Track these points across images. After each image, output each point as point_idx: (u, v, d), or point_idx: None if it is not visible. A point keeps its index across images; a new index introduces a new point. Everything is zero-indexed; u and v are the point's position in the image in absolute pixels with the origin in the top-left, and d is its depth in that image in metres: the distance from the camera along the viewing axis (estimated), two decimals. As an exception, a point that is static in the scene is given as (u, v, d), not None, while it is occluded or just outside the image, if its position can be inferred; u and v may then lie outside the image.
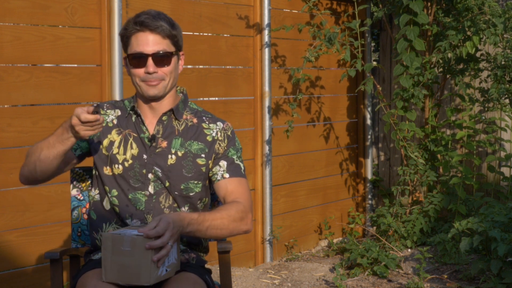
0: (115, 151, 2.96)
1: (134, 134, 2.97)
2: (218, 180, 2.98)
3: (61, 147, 2.83)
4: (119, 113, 3.02)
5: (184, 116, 3.01)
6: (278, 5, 5.98)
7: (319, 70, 6.45)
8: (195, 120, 3.02)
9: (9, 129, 4.25)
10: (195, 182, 2.97)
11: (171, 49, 2.93)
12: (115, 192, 2.96)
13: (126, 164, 2.94)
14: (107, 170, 2.96)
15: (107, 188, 2.97)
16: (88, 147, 3.00)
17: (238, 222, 2.90)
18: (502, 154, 6.50)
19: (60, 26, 4.48)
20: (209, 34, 5.45)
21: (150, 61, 2.89)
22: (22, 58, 4.30)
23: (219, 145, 3.00)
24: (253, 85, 5.79)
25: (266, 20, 5.78)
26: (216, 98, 5.53)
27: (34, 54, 4.35)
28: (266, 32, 5.77)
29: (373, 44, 7.20)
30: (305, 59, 5.79)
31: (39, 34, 4.37)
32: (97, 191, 3.01)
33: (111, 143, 2.97)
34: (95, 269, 2.80)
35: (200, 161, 2.98)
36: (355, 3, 6.20)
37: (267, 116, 5.81)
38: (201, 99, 5.42)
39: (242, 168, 3.03)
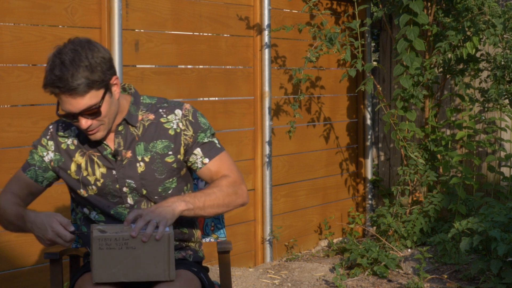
0: (84, 173, 2.90)
1: (97, 154, 2.90)
2: (200, 167, 2.92)
3: (24, 231, 2.86)
4: (76, 131, 2.93)
5: (140, 117, 2.91)
6: (278, 5, 5.98)
7: (319, 70, 6.45)
8: (151, 116, 2.91)
9: (9, 129, 4.25)
10: (170, 180, 2.92)
11: (98, 98, 2.72)
12: (98, 210, 2.93)
13: (99, 184, 2.89)
14: (82, 193, 2.92)
15: (89, 207, 2.94)
16: (55, 175, 2.96)
17: (232, 196, 2.88)
18: (502, 154, 6.51)
19: (60, 26, 4.48)
20: (209, 34, 5.45)
21: (80, 119, 2.75)
22: (22, 58, 4.30)
23: (185, 135, 2.91)
24: (253, 85, 5.79)
25: (266, 20, 5.78)
26: (216, 98, 5.53)
27: (34, 54, 4.35)
28: (266, 32, 5.77)
29: (373, 44, 7.20)
30: (306, 60, 5.79)
31: (39, 34, 4.37)
32: (85, 209, 2.98)
33: (79, 166, 2.91)
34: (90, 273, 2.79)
35: (169, 159, 2.90)
36: (355, 3, 6.20)
37: (267, 116, 5.81)
38: (201, 99, 5.42)
39: (217, 142, 2.95)
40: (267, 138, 5.82)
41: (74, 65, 2.69)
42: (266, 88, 5.81)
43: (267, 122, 5.82)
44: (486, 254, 5.13)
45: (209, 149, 2.92)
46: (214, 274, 4.88)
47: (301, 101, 6.23)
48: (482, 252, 5.26)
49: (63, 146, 2.92)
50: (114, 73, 2.80)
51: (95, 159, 2.89)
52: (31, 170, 2.94)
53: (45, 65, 4.39)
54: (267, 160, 5.83)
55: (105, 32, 4.64)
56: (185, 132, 2.91)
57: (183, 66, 5.25)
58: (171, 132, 2.90)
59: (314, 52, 5.82)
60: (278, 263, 5.89)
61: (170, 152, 2.89)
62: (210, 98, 5.50)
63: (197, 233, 3.08)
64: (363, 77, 6.68)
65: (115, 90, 2.80)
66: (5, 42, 4.21)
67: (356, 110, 6.93)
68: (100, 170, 2.89)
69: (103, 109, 2.75)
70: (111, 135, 2.89)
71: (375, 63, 7.09)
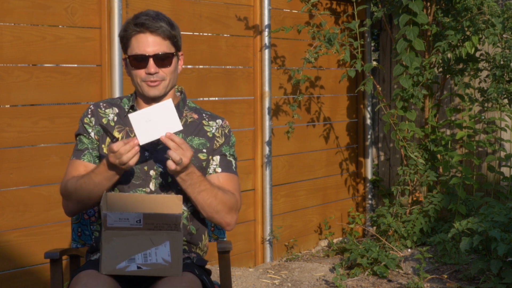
0: None
1: None
2: (210, 173, 3.02)
3: (109, 183, 2.88)
4: (117, 111, 3.04)
5: (184, 114, 3.05)
6: (278, 5, 5.98)
7: (319, 70, 6.45)
8: (195, 116, 3.06)
9: (9, 129, 4.25)
10: None
11: (171, 50, 2.96)
12: (116, 190, 2.96)
13: None
14: None
15: None
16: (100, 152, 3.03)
17: (226, 209, 2.96)
18: (502, 154, 6.51)
19: (60, 26, 4.48)
20: (209, 34, 5.45)
21: (151, 62, 2.91)
22: (22, 58, 4.30)
23: (217, 141, 3.04)
24: (253, 85, 5.79)
25: (266, 20, 5.78)
26: (216, 98, 5.53)
27: (34, 54, 4.35)
28: (266, 32, 5.77)
29: (373, 44, 7.20)
30: (305, 60, 5.79)
31: (39, 34, 4.37)
32: None
33: None
34: (88, 270, 2.80)
35: (202, 156, 3.01)
36: (355, 3, 6.19)
37: (267, 116, 5.81)
38: (201, 99, 5.42)
39: (234, 165, 3.07)
40: (267, 138, 5.82)
41: (159, 16, 2.95)
42: (266, 88, 5.81)
43: (267, 122, 5.82)
44: (486, 254, 5.13)
45: (226, 164, 3.05)
46: (214, 274, 4.88)
47: (301, 101, 6.23)
48: (482, 252, 5.26)
49: (104, 120, 3.02)
50: (181, 49, 3.04)
51: (132, 136, 2.97)
52: (85, 154, 3.01)
53: (45, 65, 4.42)
54: (267, 160, 5.83)
55: (105, 32, 4.64)
56: (218, 139, 3.05)
57: (183, 66, 5.24)
58: (209, 134, 3.04)
59: (313, 52, 5.82)
60: (278, 263, 5.89)
61: (204, 150, 3.02)
62: (210, 98, 5.50)
63: (205, 241, 3.10)
64: (363, 77, 6.68)
65: (180, 63, 3.04)
66: (5, 42, 4.21)
67: (356, 110, 6.93)
68: None
69: (172, 65, 2.95)
70: None
71: (374, 63, 7.09)
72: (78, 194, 2.92)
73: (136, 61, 2.92)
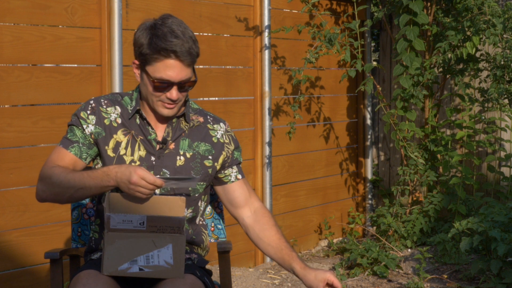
0: (122, 152, 2.91)
1: (141, 136, 2.93)
2: (233, 181, 3.05)
3: (98, 191, 2.80)
4: (120, 110, 2.96)
5: (191, 117, 3.02)
6: (278, 5, 5.98)
7: (319, 71, 6.45)
8: (201, 119, 3.03)
9: (9, 129, 4.25)
10: (201, 183, 2.97)
11: (193, 74, 2.90)
12: (120, 192, 2.94)
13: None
14: None
15: (114, 189, 2.94)
16: (97, 150, 2.95)
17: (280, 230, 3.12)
18: (502, 154, 6.51)
19: (60, 26, 4.48)
20: (209, 34, 5.45)
21: (175, 89, 2.85)
22: (22, 58, 4.30)
23: (228, 148, 3.03)
24: (253, 85, 5.79)
25: (266, 21, 5.78)
26: (216, 98, 5.53)
27: (34, 54, 4.35)
28: (266, 32, 5.77)
29: (373, 44, 7.20)
30: (305, 61, 5.79)
31: (39, 34, 4.37)
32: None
33: (118, 143, 2.92)
34: (88, 270, 2.79)
35: (207, 163, 2.98)
36: (355, 3, 6.20)
37: (267, 116, 5.81)
38: (201, 99, 5.42)
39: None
40: (267, 138, 5.82)
41: (185, 35, 2.83)
42: (266, 88, 5.81)
43: (267, 122, 5.82)
44: (486, 254, 5.13)
45: (240, 168, 3.09)
46: (214, 274, 4.88)
47: (301, 101, 6.23)
48: (482, 252, 5.26)
49: (106, 121, 2.94)
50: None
51: (138, 140, 2.93)
52: (74, 147, 2.92)
53: (45, 65, 4.42)
54: (267, 160, 5.83)
55: (105, 32, 4.64)
56: (228, 146, 3.04)
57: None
58: (214, 140, 3.02)
59: (314, 53, 5.82)
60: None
61: (210, 157, 2.99)
62: (210, 98, 5.50)
63: (206, 241, 3.10)
64: (363, 77, 6.68)
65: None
66: (5, 42, 4.21)
67: (356, 110, 6.94)
68: (139, 153, 2.93)
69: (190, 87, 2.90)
70: (158, 124, 2.96)
71: (375, 63, 7.09)
72: (60, 188, 2.81)
73: (159, 84, 2.84)
